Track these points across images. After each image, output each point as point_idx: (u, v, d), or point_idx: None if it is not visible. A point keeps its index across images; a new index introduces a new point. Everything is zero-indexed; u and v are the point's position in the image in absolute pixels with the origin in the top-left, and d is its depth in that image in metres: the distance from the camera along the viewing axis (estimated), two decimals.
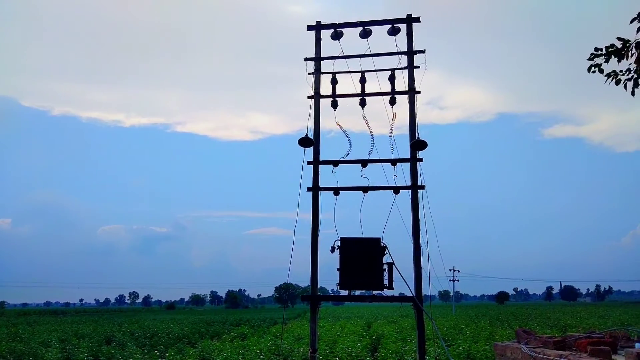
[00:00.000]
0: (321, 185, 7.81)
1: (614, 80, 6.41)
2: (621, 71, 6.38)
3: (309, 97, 7.98)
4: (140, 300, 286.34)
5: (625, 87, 6.36)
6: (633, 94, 6.32)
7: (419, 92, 7.79)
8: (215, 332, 35.73)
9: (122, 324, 43.50)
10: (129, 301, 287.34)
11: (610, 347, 4.34)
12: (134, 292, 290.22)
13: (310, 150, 7.83)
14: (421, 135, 7.54)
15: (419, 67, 7.80)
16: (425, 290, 7.29)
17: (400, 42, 7.95)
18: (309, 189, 7.73)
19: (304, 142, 7.66)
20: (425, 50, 7.80)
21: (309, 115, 7.92)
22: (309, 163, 7.81)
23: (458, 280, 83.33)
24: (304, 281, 56.23)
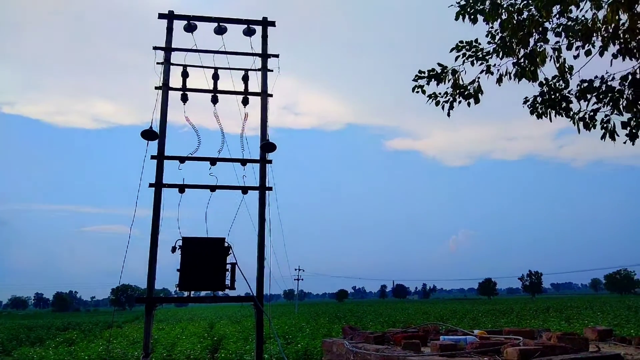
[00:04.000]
0: (165, 181, 7.46)
1: (434, 101, 7.16)
2: (440, 93, 7.16)
3: (156, 88, 7.57)
4: None
5: (442, 108, 7.15)
6: (448, 114, 7.14)
7: (271, 95, 7.86)
8: (37, 338, 32.06)
9: None
10: None
11: (421, 340, 4.84)
12: None
13: (155, 144, 7.43)
14: (277, 138, 7.64)
15: (272, 70, 7.88)
16: (270, 290, 7.39)
17: (255, 43, 7.96)
18: (150, 185, 7.32)
19: (148, 134, 7.23)
20: (279, 54, 7.90)
21: (155, 107, 7.51)
22: (152, 157, 7.40)
23: (302, 280, 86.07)
24: (143, 283, 53.01)
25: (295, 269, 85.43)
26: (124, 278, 7.78)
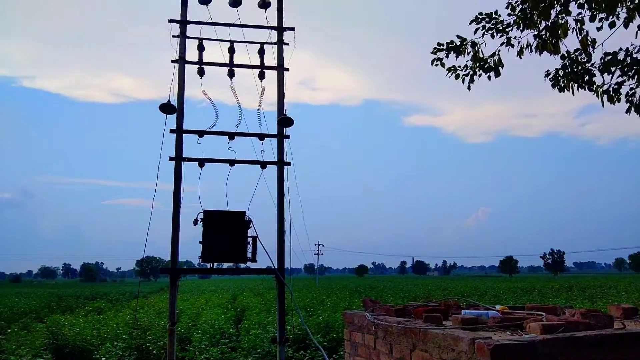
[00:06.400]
0: (185, 155, 7.58)
1: (454, 74, 7.07)
2: (459, 66, 7.06)
3: (172, 62, 7.61)
4: None
5: (463, 81, 7.05)
6: (469, 88, 7.04)
7: (287, 69, 7.85)
8: (67, 307, 33.32)
9: None
10: None
11: (442, 314, 4.88)
12: None
13: (173, 118, 7.53)
14: (294, 114, 7.64)
15: (288, 44, 7.85)
16: (291, 263, 7.52)
17: (270, 16, 7.91)
18: (171, 159, 7.44)
19: (166, 108, 7.32)
20: (294, 28, 7.86)
21: (172, 81, 7.58)
22: (171, 131, 7.50)
23: (322, 254, 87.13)
24: (167, 255, 54.39)
25: (315, 244, 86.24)
26: (148, 250, 8.01)
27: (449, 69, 7.02)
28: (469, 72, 6.98)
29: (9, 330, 16.97)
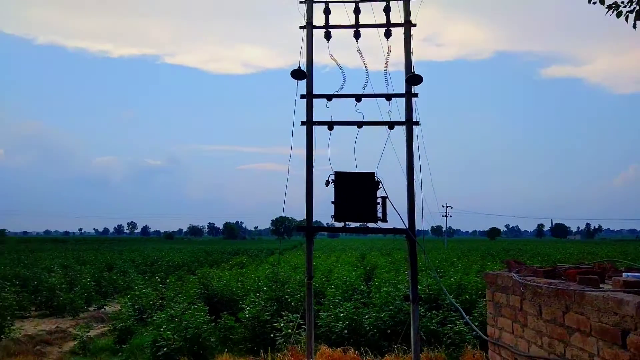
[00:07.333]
0: (315, 119, 7.82)
1: (615, 12, 6.24)
2: (622, 2, 6.21)
3: (301, 28, 7.79)
4: (138, 230, 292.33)
5: (626, 19, 6.20)
6: (635, 26, 6.17)
7: (414, 25, 7.61)
8: (214, 261, 36.88)
9: (122, 252, 44.71)
10: (127, 231, 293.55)
11: (598, 276, 4.52)
12: (132, 222, 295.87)
13: (303, 84, 7.76)
14: (417, 72, 7.46)
15: None
16: (418, 225, 7.49)
17: None
18: (302, 123, 7.73)
19: (297, 74, 7.56)
20: None
21: (301, 47, 7.78)
22: (302, 96, 7.75)
23: (451, 216, 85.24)
24: (298, 215, 57.56)
25: (443, 206, 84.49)
26: (280, 210, 8.51)
27: (609, 6, 6.23)
28: (635, 7, 6.13)
29: (168, 281, 19.35)
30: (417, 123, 7.54)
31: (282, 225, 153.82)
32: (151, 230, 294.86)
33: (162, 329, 10.08)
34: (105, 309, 17.46)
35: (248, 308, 11.28)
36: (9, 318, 11.91)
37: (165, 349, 9.55)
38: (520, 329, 4.51)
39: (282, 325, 10.00)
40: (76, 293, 16.63)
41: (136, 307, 13.91)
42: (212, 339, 10.38)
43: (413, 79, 7.38)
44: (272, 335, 10.13)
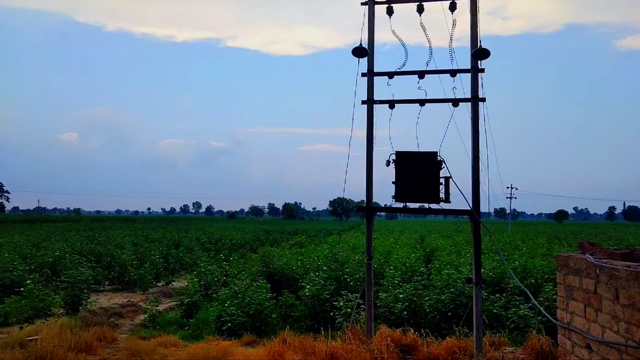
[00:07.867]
0: (376, 98, 7.70)
1: None
2: None
3: (362, 4, 7.66)
4: (203, 210, 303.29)
5: None
6: None
7: None
8: (274, 240, 37.69)
9: (188, 231, 46.50)
10: (192, 210, 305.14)
11: None
12: (197, 202, 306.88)
13: (364, 62, 7.65)
14: (483, 46, 7.15)
15: None
16: (483, 206, 7.26)
17: None
18: (363, 102, 7.64)
19: (358, 51, 7.45)
20: None
21: (363, 24, 7.65)
22: (362, 75, 7.64)
23: (515, 198, 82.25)
24: (356, 196, 57.45)
25: (508, 187, 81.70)
26: (338, 192, 8.47)
27: None
28: None
29: (231, 258, 19.95)
30: (483, 99, 7.28)
31: (340, 207, 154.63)
32: (215, 210, 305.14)
33: (226, 305, 10.44)
34: (172, 284, 18.28)
35: (308, 286, 11.44)
36: (85, 291, 12.72)
37: (229, 324, 9.90)
38: (593, 313, 4.30)
39: (341, 304, 10.07)
40: (146, 269, 17.50)
41: (202, 283, 14.46)
42: (273, 316, 10.65)
43: (480, 53, 7.10)
44: (331, 314, 10.24)
